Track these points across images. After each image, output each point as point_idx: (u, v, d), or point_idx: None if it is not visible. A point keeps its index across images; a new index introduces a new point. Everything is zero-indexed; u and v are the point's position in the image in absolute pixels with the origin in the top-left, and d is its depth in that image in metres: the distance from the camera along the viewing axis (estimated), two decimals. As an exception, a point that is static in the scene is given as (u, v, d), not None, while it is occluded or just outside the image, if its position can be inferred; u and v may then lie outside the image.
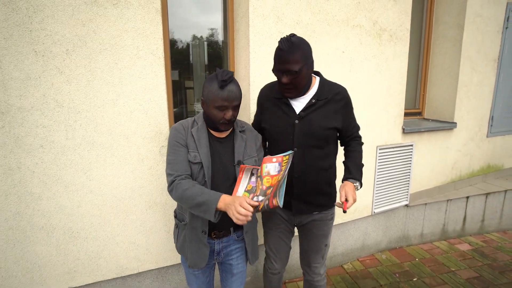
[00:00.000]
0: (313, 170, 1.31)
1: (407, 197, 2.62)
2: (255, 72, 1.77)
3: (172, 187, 1.11)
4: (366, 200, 2.40)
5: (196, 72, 2.01)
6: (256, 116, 1.46)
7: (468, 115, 2.92)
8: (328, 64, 1.99)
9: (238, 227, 1.28)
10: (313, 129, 1.27)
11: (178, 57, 1.91)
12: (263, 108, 1.40)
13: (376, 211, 2.46)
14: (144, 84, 1.51)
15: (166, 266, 1.78)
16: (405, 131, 2.46)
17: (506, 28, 2.93)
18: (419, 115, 3.04)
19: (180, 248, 1.29)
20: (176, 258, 1.77)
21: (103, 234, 1.55)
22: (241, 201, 0.97)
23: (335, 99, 1.31)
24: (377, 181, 2.40)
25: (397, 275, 2.31)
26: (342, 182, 1.36)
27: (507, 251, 2.69)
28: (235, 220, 0.97)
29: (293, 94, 1.26)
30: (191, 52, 1.96)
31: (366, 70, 2.16)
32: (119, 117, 1.48)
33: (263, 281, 1.71)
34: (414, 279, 2.26)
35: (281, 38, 1.17)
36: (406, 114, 2.90)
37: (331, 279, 2.25)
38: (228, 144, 1.22)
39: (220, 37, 1.98)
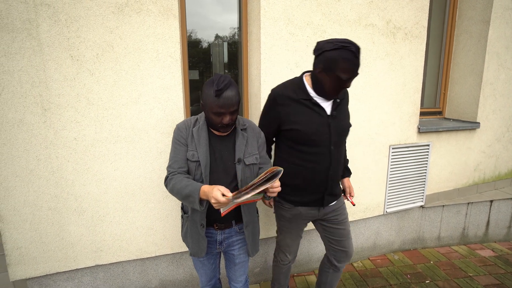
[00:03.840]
0: (339, 164, 1.43)
1: (422, 198, 2.56)
2: (266, 72, 1.85)
3: (166, 183, 1.23)
4: (378, 199, 2.39)
5: (216, 71, 2.13)
6: (271, 118, 1.41)
7: (494, 115, 2.78)
8: (339, 63, 2.02)
9: (239, 220, 1.36)
10: (343, 126, 1.39)
11: (200, 57, 2.05)
12: (286, 111, 1.35)
13: (388, 210, 2.44)
14: (163, 84, 1.66)
15: (180, 252, 1.93)
16: (420, 131, 2.41)
17: (540, 22, 2.74)
18: (439, 114, 2.94)
19: (183, 238, 1.39)
20: (190, 245, 1.92)
21: (125, 219, 1.74)
22: (214, 192, 1.03)
23: (346, 98, 1.46)
24: (389, 181, 2.38)
25: (408, 276, 2.28)
26: (342, 178, 1.58)
27: (534, 259, 2.54)
28: (214, 205, 1.06)
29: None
30: (211, 52, 2.08)
31: (379, 68, 2.16)
32: (141, 114, 1.65)
33: (272, 271, 1.79)
34: (427, 281, 2.22)
35: (351, 43, 1.16)
36: (426, 113, 2.84)
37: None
38: (229, 142, 1.26)
39: (237, 38, 2.09)
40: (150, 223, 1.80)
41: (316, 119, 1.33)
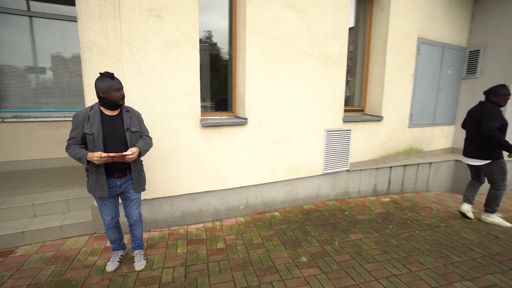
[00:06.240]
0: None
1: (347, 165, 3.97)
2: (249, 83, 3.07)
3: (66, 149, 1.90)
4: (319, 163, 3.73)
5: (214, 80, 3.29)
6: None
7: (392, 112, 4.30)
8: (292, 78, 3.32)
9: (131, 170, 2.08)
10: None
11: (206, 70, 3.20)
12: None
13: (325, 172, 3.79)
14: (189, 88, 2.80)
15: (194, 193, 3.06)
16: (344, 120, 3.80)
17: (418, 54, 4.32)
18: (362, 111, 4.40)
19: (89, 189, 2.00)
20: (228, 184, 3.06)
21: (162, 170, 2.83)
22: (93, 154, 1.81)
23: None
24: (325, 152, 3.73)
25: (336, 211, 3.65)
26: None
27: (412, 201, 4.08)
28: (95, 162, 1.83)
29: None
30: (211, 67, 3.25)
31: (318, 82, 3.50)
32: (176, 105, 2.77)
33: (497, 198, 3.36)
34: (346, 212, 3.60)
35: (499, 86, 2.97)
36: (354, 111, 4.28)
37: (294, 212, 3.58)
38: (118, 118, 1.98)
39: (230, 62, 3.29)
40: (180, 174, 2.91)
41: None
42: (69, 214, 2.89)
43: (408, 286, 2.20)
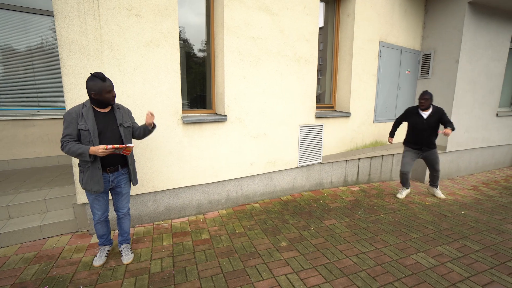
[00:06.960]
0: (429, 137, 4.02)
1: (320, 158, 4.28)
2: (227, 81, 3.22)
3: (62, 147, 1.89)
4: (294, 157, 4.00)
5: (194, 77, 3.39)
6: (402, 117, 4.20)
7: (359, 109, 4.70)
8: (268, 77, 3.53)
9: (123, 165, 2.17)
10: (431, 124, 3.91)
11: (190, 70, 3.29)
12: (409, 116, 4.10)
13: (300, 164, 4.07)
14: (170, 86, 2.89)
15: (177, 188, 3.16)
16: (316, 116, 4.11)
17: (380, 56, 4.77)
18: (332, 108, 4.75)
19: (84, 185, 2.02)
20: (209, 178, 3.16)
21: (146, 165, 2.89)
22: (97, 147, 1.87)
23: (436, 114, 3.90)
24: (300, 146, 4.01)
25: (311, 200, 3.95)
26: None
27: (378, 189, 4.52)
28: (99, 154, 1.87)
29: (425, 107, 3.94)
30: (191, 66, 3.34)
31: (291, 81, 3.75)
32: (157, 103, 2.84)
33: (400, 178, 4.23)
34: (320, 201, 3.91)
35: (422, 92, 3.46)
36: (323, 107, 4.60)
37: (272, 203, 3.81)
38: (111, 115, 2.05)
39: (208, 61, 3.41)
40: (163, 169, 2.99)
41: (419, 119, 3.96)
42: (48, 214, 2.84)
43: (374, 260, 2.52)
